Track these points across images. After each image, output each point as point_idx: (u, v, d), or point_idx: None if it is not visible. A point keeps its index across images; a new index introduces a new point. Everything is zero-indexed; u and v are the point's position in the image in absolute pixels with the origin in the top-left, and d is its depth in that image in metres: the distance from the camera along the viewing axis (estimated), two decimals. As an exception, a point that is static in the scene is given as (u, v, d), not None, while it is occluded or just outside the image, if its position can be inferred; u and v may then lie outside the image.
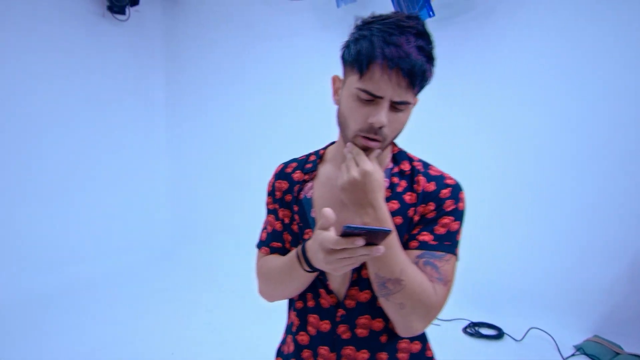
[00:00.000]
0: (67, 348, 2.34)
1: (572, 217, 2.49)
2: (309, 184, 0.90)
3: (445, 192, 0.82)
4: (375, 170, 0.74)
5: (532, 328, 2.49)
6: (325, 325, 0.86)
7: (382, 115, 0.72)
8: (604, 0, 2.29)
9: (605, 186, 2.40)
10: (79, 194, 3.51)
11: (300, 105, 3.30)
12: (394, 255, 0.74)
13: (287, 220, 0.91)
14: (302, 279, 0.83)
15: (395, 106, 0.73)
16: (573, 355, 2.29)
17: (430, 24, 2.62)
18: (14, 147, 3.09)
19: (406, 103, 0.74)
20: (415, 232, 0.81)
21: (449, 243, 0.80)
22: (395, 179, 0.84)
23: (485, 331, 2.56)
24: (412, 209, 0.81)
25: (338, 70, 0.82)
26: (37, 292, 3.01)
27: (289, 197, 0.91)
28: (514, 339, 2.47)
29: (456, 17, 2.67)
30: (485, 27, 2.61)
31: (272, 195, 0.95)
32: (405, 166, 0.86)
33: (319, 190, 0.89)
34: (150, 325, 2.64)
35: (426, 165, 0.88)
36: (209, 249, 3.86)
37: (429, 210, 0.81)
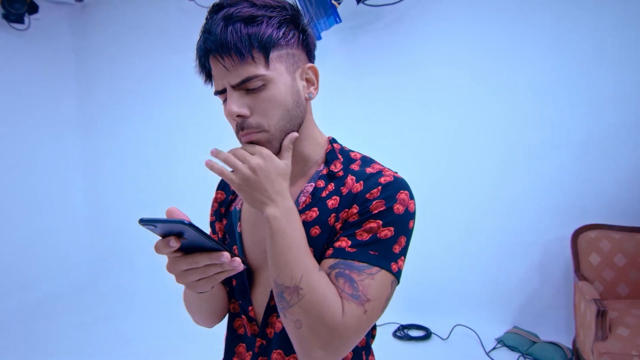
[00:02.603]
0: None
1: (486, 215, 2.60)
2: None
3: (374, 192, 0.66)
4: (268, 156, 0.64)
5: (457, 325, 2.55)
6: (248, 357, 0.75)
7: (229, 105, 0.64)
8: (496, 7, 2.44)
9: (514, 184, 2.53)
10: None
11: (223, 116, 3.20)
12: (295, 258, 0.61)
13: (221, 235, 0.82)
14: (198, 301, 0.74)
15: (246, 89, 0.64)
16: (495, 348, 2.36)
17: (344, 31, 2.67)
18: None
19: (250, 79, 0.63)
20: (334, 239, 0.67)
21: (375, 253, 0.62)
22: (321, 183, 0.71)
23: (413, 333, 2.58)
24: (334, 214, 0.67)
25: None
26: None
27: (223, 209, 0.83)
28: (440, 337, 2.51)
29: (368, 25, 2.73)
30: (395, 34, 2.69)
31: (212, 208, 0.87)
32: (336, 167, 0.72)
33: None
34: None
35: (367, 163, 0.73)
36: (131, 275, 3.60)
37: (352, 214, 0.66)
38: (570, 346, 2.27)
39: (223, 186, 0.86)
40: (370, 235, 0.63)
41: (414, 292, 2.78)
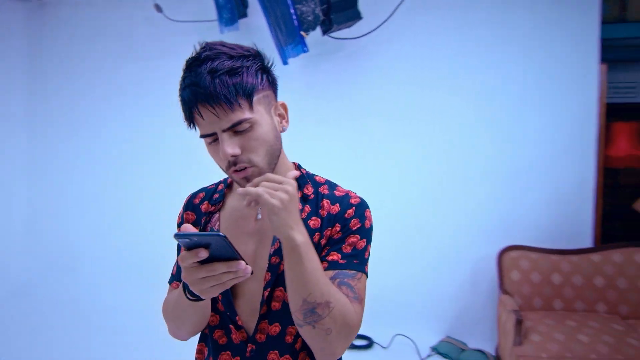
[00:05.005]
0: None
1: (424, 234, 2.86)
2: (216, 215, 0.90)
3: (350, 212, 0.83)
4: (295, 189, 0.72)
5: (397, 335, 2.76)
6: None
7: (224, 148, 0.73)
8: (438, 45, 2.78)
9: (451, 205, 2.83)
10: None
11: (182, 127, 3.26)
12: (322, 277, 0.72)
13: None
14: (191, 310, 0.78)
15: (235, 131, 0.74)
16: (429, 356, 2.60)
17: (309, 58, 2.87)
18: None
19: (240, 122, 0.73)
20: (323, 254, 0.81)
21: (357, 261, 0.80)
22: (299, 205, 0.80)
23: (357, 342, 2.75)
24: (318, 233, 0.82)
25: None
26: None
27: (197, 230, 0.89)
28: (381, 346, 2.71)
29: (330, 54, 2.95)
30: (354, 62, 2.94)
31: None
32: (309, 190, 0.86)
33: (225, 222, 0.88)
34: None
35: (332, 186, 0.89)
36: (75, 281, 3.48)
37: (335, 232, 0.82)
38: (494, 353, 2.56)
39: (193, 208, 0.92)
40: (352, 247, 0.81)
41: (360, 303, 2.97)
